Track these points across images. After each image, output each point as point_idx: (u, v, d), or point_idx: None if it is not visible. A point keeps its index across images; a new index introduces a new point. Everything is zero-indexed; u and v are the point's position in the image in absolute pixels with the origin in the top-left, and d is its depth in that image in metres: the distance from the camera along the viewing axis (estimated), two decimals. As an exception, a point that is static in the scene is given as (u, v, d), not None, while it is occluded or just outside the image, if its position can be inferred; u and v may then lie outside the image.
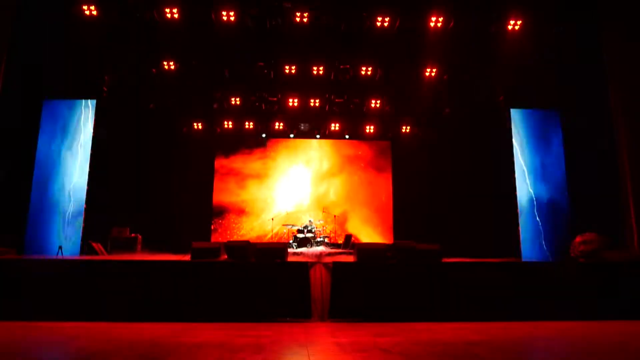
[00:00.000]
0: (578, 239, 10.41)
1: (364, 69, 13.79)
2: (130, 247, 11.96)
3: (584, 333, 6.02)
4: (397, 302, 7.44)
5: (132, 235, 12.41)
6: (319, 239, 13.73)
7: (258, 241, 15.19)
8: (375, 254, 8.07)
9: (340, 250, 12.00)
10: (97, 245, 11.34)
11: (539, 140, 13.82)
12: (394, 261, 8.03)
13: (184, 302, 7.26)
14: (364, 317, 7.22)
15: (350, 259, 8.73)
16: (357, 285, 7.53)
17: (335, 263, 7.68)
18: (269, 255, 7.87)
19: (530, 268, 8.27)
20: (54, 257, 11.01)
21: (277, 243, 12.77)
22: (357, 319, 7.18)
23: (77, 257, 11.31)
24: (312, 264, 7.73)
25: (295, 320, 7.16)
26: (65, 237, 12.32)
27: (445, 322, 6.92)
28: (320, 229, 14.42)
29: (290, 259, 8.55)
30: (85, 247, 11.28)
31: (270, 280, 7.45)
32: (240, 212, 16.17)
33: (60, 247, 11.30)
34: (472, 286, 7.60)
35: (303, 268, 7.54)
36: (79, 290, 7.24)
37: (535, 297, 7.56)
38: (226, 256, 8.16)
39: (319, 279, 7.75)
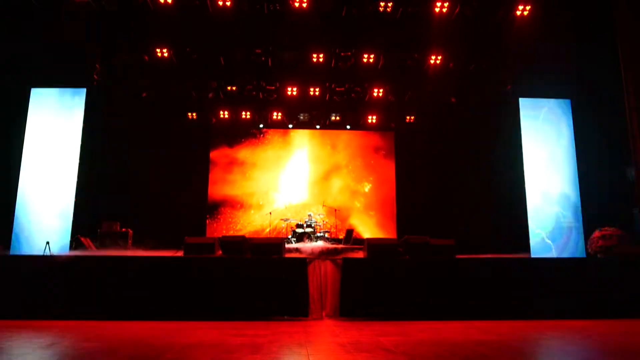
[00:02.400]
0: (596, 233, 10.32)
1: (365, 56, 13.68)
2: (120, 242, 11.90)
3: (598, 332, 5.97)
4: (407, 300, 7.38)
5: (123, 229, 12.34)
6: (318, 234, 13.68)
7: (255, 236, 15.15)
8: (386, 249, 8.00)
9: (341, 246, 11.95)
10: (86, 240, 11.28)
11: (549, 131, 13.74)
12: (406, 257, 7.97)
13: (177, 300, 7.21)
14: (373, 315, 7.17)
15: (355, 254, 8.68)
16: (368, 282, 7.46)
17: (345, 259, 7.62)
18: (265, 251, 7.80)
19: (547, 264, 8.19)
20: (41, 253, 10.94)
21: (274, 238, 12.70)
22: (366, 318, 7.13)
23: (65, 253, 11.23)
24: (311, 260, 7.67)
25: (294, 318, 7.11)
26: (54, 231, 12.25)
27: (451, 321, 6.87)
28: (320, 224, 14.35)
29: (289, 255, 8.48)
30: (74, 242, 11.22)
31: (267, 277, 7.38)
32: (237, 205, 16.11)
33: (47, 243, 11.24)
34: (484, 283, 7.54)
35: (301, 264, 7.47)
36: (67, 288, 7.19)
37: (549, 295, 7.50)
38: (221, 252, 8.09)
39: (317, 275, 7.70)
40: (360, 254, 9.10)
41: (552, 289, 7.54)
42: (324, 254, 9.50)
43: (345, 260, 7.63)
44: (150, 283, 7.30)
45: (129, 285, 7.26)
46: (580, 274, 7.76)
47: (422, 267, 7.66)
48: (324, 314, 7.72)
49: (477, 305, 7.37)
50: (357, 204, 16.37)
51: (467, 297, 7.44)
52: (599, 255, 9.96)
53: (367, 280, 7.47)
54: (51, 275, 7.32)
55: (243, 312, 7.11)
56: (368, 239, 8.22)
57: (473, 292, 7.48)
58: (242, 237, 8.31)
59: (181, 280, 7.32)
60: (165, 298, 7.21)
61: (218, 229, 15.85)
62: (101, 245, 11.79)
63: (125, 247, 11.91)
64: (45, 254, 10.34)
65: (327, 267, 8.14)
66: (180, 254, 8.08)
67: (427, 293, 7.45)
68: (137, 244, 12.09)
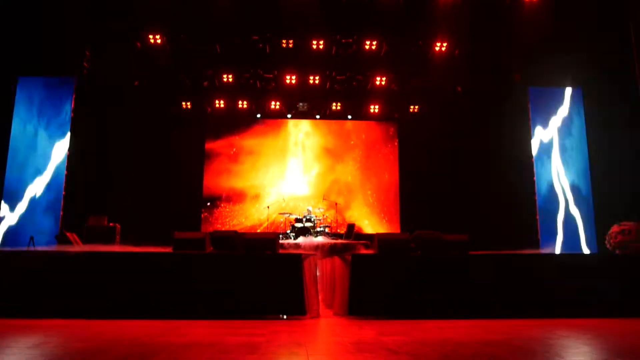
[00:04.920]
0: (615, 228, 10.27)
1: (368, 43, 13.63)
2: (108, 237, 11.84)
3: (611, 331, 5.95)
4: (418, 298, 7.35)
5: (111, 224, 12.29)
6: (318, 229, 13.65)
7: (253, 231, 15.16)
8: (397, 245, 7.96)
9: (342, 241, 11.92)
10: (71, 235, 11.23)
11: (559, 121, 13.70)
12: (417, 253, 7.93)
13: (170, 298, 7.17)
14: (383, 314, 7.15)
15: (359, 251, 8.65)
16: (378, 279, 7.42)
17: (354, 255, 7.58)
18: (258, 247, 7.75)
19: (559, 261, 8.14)
20: (24, 248, 10.92)
21: (268, 233, 12.70)
22: (376, 316, 7.11)
23: (48, 248, 11.20)
24: (307, 255, 7.63)
25: (291, 317, 7.08)
26: (42, 226, 12.23)
27: (458, 320, 6.86)
28: (320, 218, 14.32)
29: (289, 250, 8.44)
30: (59, 237, 11.18)
31: (261, 273, 7.33)
32: (234, 199, 16.09)
33: (31, 238, 11.21)
34: (495, 280, 7.50)
35: (296, 261, 7.42)
36: (54, 285, 7.16)
37: (560, 292, 7.46)
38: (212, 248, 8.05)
39: (313, 271, 7.66)
40: (363, 250, 9.06)
41: (563, 286, 7.50)
42: (334, 250, 9.47)
43: (355, 256, 7.57)
44: (141, 280, 7.26)
45: (120, 282, 7.23)
46: (593, 271, 7.73)
47: (435, 263, 7.62)
48: (331, 312, 7.71)
49: (485, 303, 7.35)
50: (359, 198, 16.35)
51: (477, 294, 7.41)
52: (617, 251, 9.91)
53: (378, 278, 7.42)
54: (37, 271, 7.29)
55: (238, 311, 7.08)
56: (378, 234, 8.17)
57: (484, 289, 7.45)
58: (234, 232, 8.26)
59: (173, 277, 7.28)
60: (157, 296, 7.17)
61: (214, 223, 15.84)
62: (87, 240, 11.74)
63: (113, 243, 11.86)
64: (29, 248, 10.33)
65: (335, 264, 8.10)
66: (169, 249, 8.03)
67: (439, 291, 7.42)
68: (126, 240, 12.03)
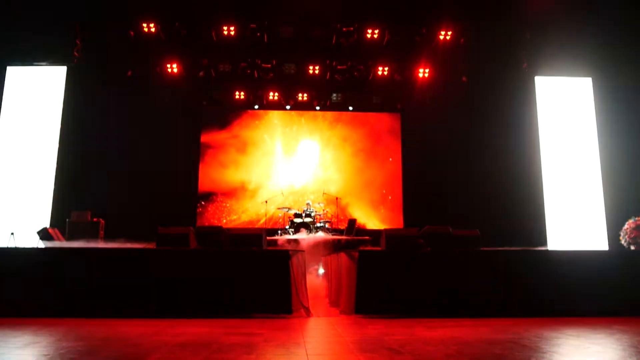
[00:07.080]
0: (630, 223, 10.28)
1: (369, 31, 13.60)
2: (91, 233, 11.81)
3: (622, 330, 5.93)
4: (427, 296, 7.33)
5: (94, 219, 12.25)
6: (318, 224, 13.63)
7: (250, 226, 15.14)
8: (406, 240, 7.92)
9: (344, 237, 11.91)
10: (53, 231, 11.22)
11: (568, 112, 13.65)
12: (427, 249, 7.91)
13: (154, 296, 7.13)
14: (391, 313, 7.13)
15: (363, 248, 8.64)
16: (387, 277, 7.39)
17: (361, 252, 7.55)
18: (244, 243, 7.71)
19: (572, 258, 8.10)
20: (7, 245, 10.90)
21: (254, 229, 12.72)
22: (383, 315, 7.08)
23: (39, 244, 11.20)
24: (295, 252, 7.60)
25: (280, 316, 7.04)
26: (28, 222, 12.20)
27: (463, 319, 6.84)
28: (320, 213, 14.31)
29: (288, 247, 8.42)
30: (41, 233, 11.18)
31: (247, 270, 7.26)
32: (231, 193, 16.05)
33: (12, 234, 11.20)
34: (504, 277, 7.48)
35: (283, 257, 7.37)
36: (43, 283, 7.13)
37: (570, 290, 7.43)
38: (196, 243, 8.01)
39: (302, 268, 7.63)
40: (369, 247, 9.04)
41: (573, 283, 7.47)
42: (336, 246, 9.44)
43: (362, 253, 7.53)
44: (130, 277, 7.20)
45: (105, 279, 7.19)
46: (605, 268, 7.69)
47: (446, 260, 7.59)
48: (337, 311, 7.69)
49: (494, 301, 7.32)
50: (360, 192, 16.30)
51: (486, 292, 7.38)
52: (632, 247, 9.91)
53: (386, 275, 7.39)
54: (19, 269, 7.25)
55: (224, 309, 7.02)
56: (386, 230, 8.14)
57: (493, 287, 7.42)
58: (219, 228, 8.24)
59: (157, 274, 7.23)
60: (142, 293, 7.13)
61: (210, 219, 15.81)
62: (70, 236, 11.71)
63: (97, 239, 11.82)
64: (9, 245, 10.32)
65: (341, 261, 8.07)
66: (153, 245, 7.99)
67: (448, 288, 7.39)
68: (113, 235, 11.97)
